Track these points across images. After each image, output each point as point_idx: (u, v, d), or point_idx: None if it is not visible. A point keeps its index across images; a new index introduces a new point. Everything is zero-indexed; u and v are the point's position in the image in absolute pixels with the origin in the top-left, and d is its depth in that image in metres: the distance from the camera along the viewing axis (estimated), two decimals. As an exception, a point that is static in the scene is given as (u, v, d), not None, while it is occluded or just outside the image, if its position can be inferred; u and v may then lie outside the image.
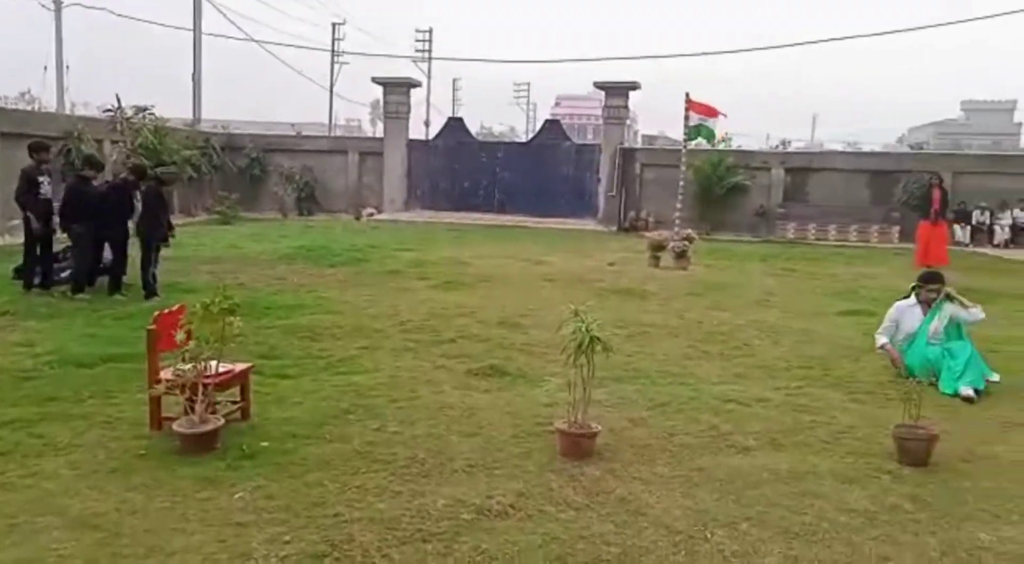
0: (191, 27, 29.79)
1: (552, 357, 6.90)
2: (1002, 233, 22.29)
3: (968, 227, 22.50)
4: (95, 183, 10.60)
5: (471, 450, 5.11)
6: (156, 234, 10.28)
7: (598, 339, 5.03)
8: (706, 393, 6.54)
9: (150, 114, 20.69)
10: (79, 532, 3.85)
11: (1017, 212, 22.34)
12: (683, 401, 6.28)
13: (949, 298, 7.46)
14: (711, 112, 16.44)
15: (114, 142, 19.40)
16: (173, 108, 26.91)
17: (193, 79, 29.48)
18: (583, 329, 5.03)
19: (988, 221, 22.59)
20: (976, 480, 4.85)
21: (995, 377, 7.04)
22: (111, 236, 10.28)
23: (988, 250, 21.11)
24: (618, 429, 5.57)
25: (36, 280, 10.28)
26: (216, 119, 31.84)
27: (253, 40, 40.88)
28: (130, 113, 19.84)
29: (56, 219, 10.30)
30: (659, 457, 5.12)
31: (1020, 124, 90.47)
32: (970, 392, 6.67)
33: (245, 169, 26.05)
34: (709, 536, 4.02)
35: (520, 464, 4.91)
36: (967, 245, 21.72)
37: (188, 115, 28.98)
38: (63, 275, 10.46)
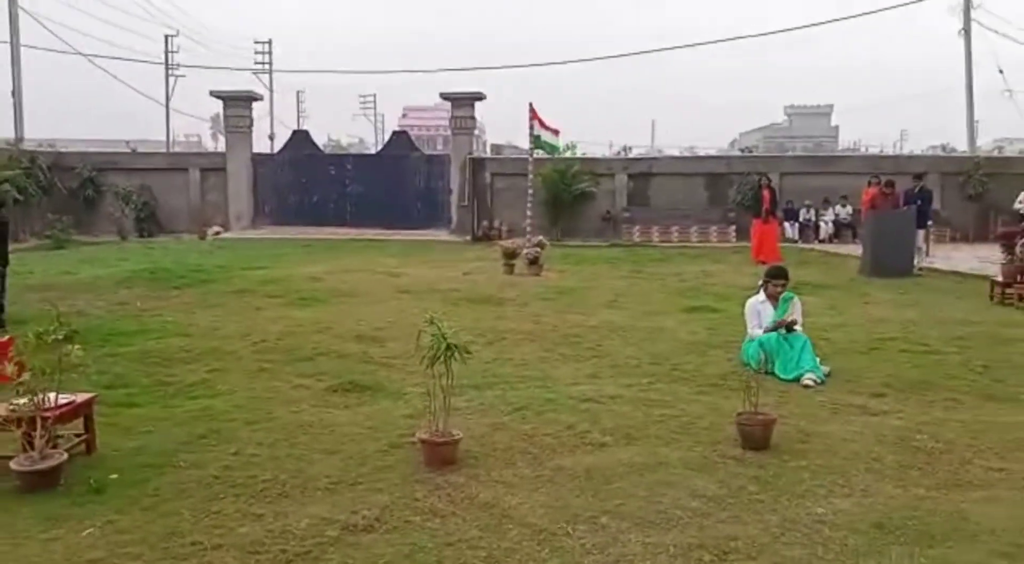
0: (7, 39, 27.88)
1: (411, 368, 6.93)
2: (826, 228, 23.97)
3: (796, 224, 24.08)
4: None
5: (333, 467, 5.07)
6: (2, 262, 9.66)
7: (455, 346, 5.10)
8: (563, 394, 6.73)
9: (-35, 133, 19.25)
10: (-93, 586, 3.57)
11: (838, 209, 24.07)
12: (541, 403, 6.44)
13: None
14: (549, 129, 16.88)
15: (-75, 165, 17.95)
16: (-6, 127, 25.11)
17: (13, 95, 27.56)
18: (440, 337, 5.09)
19: (814, 218, 24.24)
20: (811, 459, 5.22)
21: (826, 368, 7.53)
22: None
23: (816, 245, 22.64)
24: (480, 435, 5.66)
25: None
26: (43, 138, 29.96)
27: (78, 53, 38.66)
28: (-57, 133, 18.38)
29: None
30: (520, 459, 5.24)
31: (837, 127, 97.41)
32: (811, 380, 7.15)
33: (77, 190, 24.68)
34: (571, 532, 4.15)
35: (384, 477, 4.91)
36: (796, 241, 23.23)
37: (9, 134, 27.07)
38: None
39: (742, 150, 43.45)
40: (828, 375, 7.41)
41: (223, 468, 5.02)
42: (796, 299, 7.98)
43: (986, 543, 4.00)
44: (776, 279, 7.97)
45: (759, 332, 7.75)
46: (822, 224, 24.06)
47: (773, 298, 7.92)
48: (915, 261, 15.72)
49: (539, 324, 10.08)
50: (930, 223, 17.73)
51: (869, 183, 18.09)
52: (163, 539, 4.04)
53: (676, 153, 44.60)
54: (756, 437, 5.40)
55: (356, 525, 4.20)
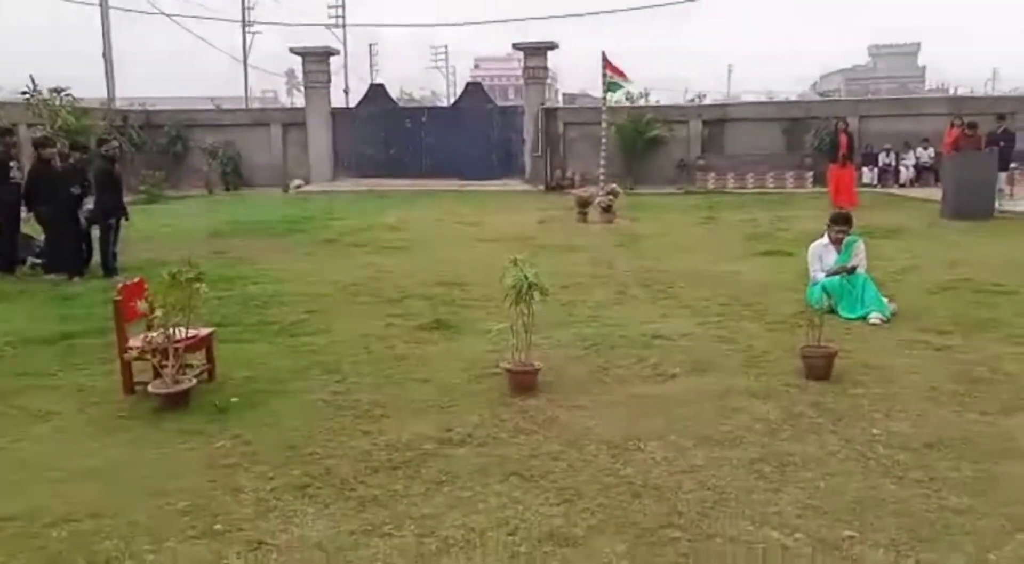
0: (98, 2, 28.98)
1: (492, 309, 7.42)
2: (907, 172, 23.54)
3: (875, 168, 23.70)
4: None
5: (427, 393, 5.61)
6: (115, 212, 10.46)
7: (536, 285, 5.55)
8: (635, 332, 7.14)
9: (66, 95, 20.33)
10: (81, 483, 4.23)
11: (920, 152, 23.59)
12: (614, 340, 6.87)
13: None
14: (620, 74, 16.98)
15: (30, 125, 19.06)
16: (87, 87, 26.30)
17: (104, 56, 28.74)
18: (522, 277, 5.54)
19: (894, 162, 23.81)
20: (870, 388, 5.55)
21: (894, 307, 7.74)
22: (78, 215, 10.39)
23: (895, 190, 22.33)
24: (558, 367, 6.12)
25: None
26: (133, 97, 31.21)
27: (161, 13, 39.89)
28: (46, 95, 19.48)
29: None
30: (595, 387, 5.70)
31: (924, 67, 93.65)
32: (878, 319, 7.40)
33: (167, 146, 25.79)
34: (642, 447, 4.60)
35: (473, 402, 5.42)
36: (875, 186, 22.91)
37: (101, 94, 28.34)
38: (35, 258, 10.63)
39: (820, 94, 42.43)
40: (895, 313, 7.62)
41: (330, 393, 5.61)
42: (860, 242, 8.16)
43: (1031, 460, 4.31)
44: (837, 225, 8.14)
45: (821, 275, 7.98)
46: (902, 168, 23.62)
47: (836, 243, 8.11)
48: (996, 203, 15.50)
49: (612, 269, 10.47)
50: (1013, 165, 17.40)
51: (952, 125, 17.80)
52: (285, 449, 4.64)
53: (754, 98, 43.80)
54: (819, 368, 5.74)
55: (451, 440, 4.73)
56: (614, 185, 16.63)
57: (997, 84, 75.59)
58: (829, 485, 4.08)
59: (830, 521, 3.70)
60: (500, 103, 32.64)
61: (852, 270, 7.82)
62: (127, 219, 10.87)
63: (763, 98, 45.93)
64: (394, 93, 34.79)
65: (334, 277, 10.02)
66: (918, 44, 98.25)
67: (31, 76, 19.61)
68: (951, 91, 63.85)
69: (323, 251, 12.29)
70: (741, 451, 4.55)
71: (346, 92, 52.62)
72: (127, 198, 21.83)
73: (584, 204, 15.77)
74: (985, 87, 71.49)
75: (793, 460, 4.38)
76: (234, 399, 5.51)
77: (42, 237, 10.69)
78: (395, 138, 26.49)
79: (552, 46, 25.56)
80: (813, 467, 4.29)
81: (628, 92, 17.76)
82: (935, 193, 18.10)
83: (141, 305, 5.61)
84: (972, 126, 16.30)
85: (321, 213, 17.30)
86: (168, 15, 39.96)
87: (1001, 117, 17.88)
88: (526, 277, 5.55)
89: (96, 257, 10.63)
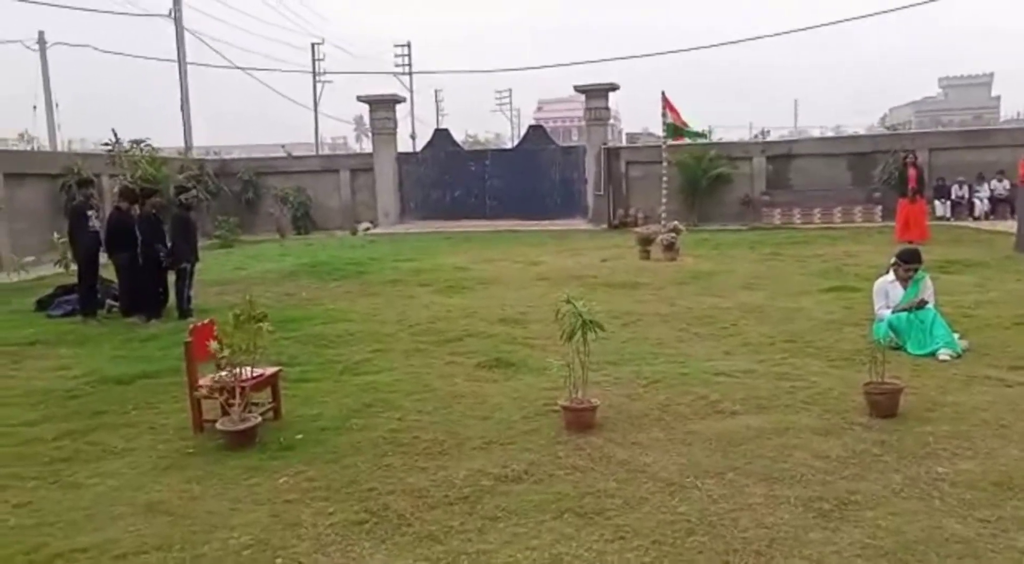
0: (175, 58, 30.33)
1: (552, 347, 7.46)
2: (981, 205, 22.87)
3: (948, 202, 23.11)
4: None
5: (485, 430, 5.67)
6: (188, 257, 10.92)
7: (590, 322, 5.59)
8: (696, 369, 7.10)
9: (146, 146, 21.24)
10: (150, 517, 4.40)
11: (995, 184, 22.94)
12: (675, 377, 6.84)
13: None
14: (678, 117, 16.96)
15: (112, 176, 19.96)
16: (164, 138, 27.51)
17: (182, 108, 30.01)
18: (576, 314, 5.59)
19: (967, 195, 23.18)
20: (938, 425, 5.42)
21: (964, 343, 7.54)
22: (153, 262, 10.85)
23: (969, 223, 21.71)
24: (616, 404, 6.13)
25: (69, 308, 11.02)
26: (207, 146, 32.42)
27: (236, 67, 41.49)
28: (127, 146, 20.40)
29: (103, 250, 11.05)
30: (654, 425, 5.68)
31: (999, 97, 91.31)
32: (947, 355, 7.21)
33: (240, 193, 26.65)
34: (700, 485, 4.58)
35: (530, 439, 5.46)
36: (949, 219, 22.32)
37: (179, 144, 29.57)
38: (113, 302, 11.22)
39: (887, 128, 41.67)
40: (967, 350, 7.42)
41: (390, 431, 5.71)
42: (927, 278, 7.98)
43: (1106, 499, 4.15)
44: (907, 263, 7.94)
45: (886, 312, 7.81)
46: (976, 200, 22.98)
47: (903, 280, 7.93)
48: (1076, 236, 14.96)
49: (674, 306, 10.43)
50: (1094, 196, 16.76)
51: (1025, 156, 17.30)
52: (345, 485, 4.74)
53: (819, 133, 43.29)
54: (883, 405, 5.63)
55: (507, 476, 4.78)
56: (676, 222, 16.58)
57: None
58: (891, 524, 3.99)
59: (890, 560, 3.63)
60: (564, 144, 32.89)
61: (923, 305, 7.64)
62: (199, 262, 11.28)
63: (830, 133, 45.36)
64: (459, 136, 35.43)
65: (399, 317, 10.20)
66: (991, 74, 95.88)
67: (113, 130, 20.59)
68: (1028, 121, 62.12)
69: (388, 292, 12.52)
70: (800, 489, 4.48)
71: (412, 137, 53.88)
72: (202, 243, 22.64)
73: (646, 242, 15.75)
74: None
75: (854, 499, 4.30)
76: (299, 436, 5.66)
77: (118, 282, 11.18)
78: (459, 181, 26.92)
79: (613, 87, 25.75)
80: (874, 506, 4.21)
81: (694, 133, 17.66)
82: (1011, 226, 17.57)
83: (212, 345, 5.82)
84: (1047, 156, 15.82)
85: (387, 255, 17.63)
86: (242, 68, 41.52)
87: (1079, 146, 17.32)
88: (580, 314, 5.60)
89: (172, 300, 11.03)
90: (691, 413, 5.93)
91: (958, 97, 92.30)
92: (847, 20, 54.59)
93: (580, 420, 5.61)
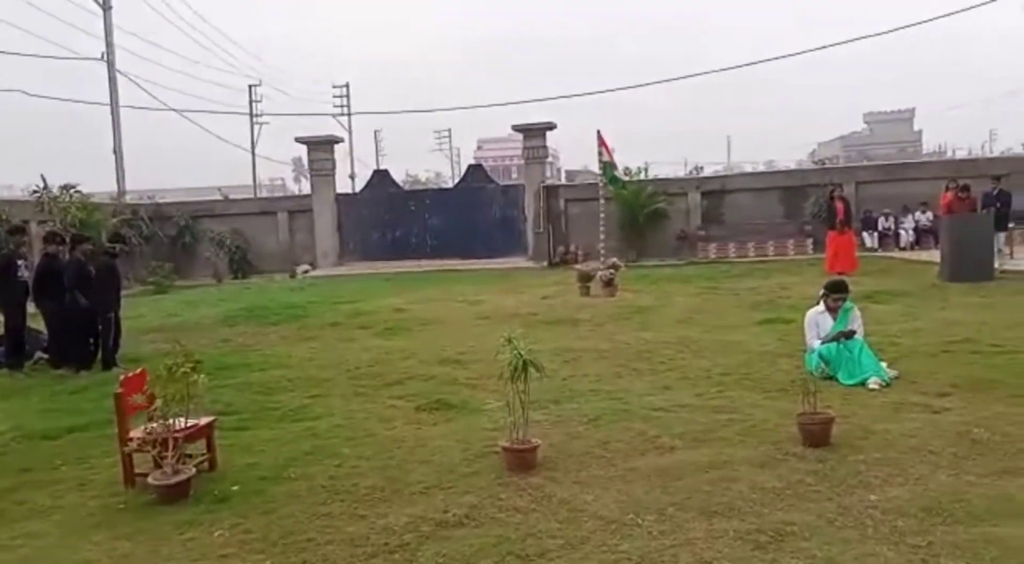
0: (108, 101, 29.86)
1: (493, 387, 7.45)
2: (907, 236, 23.71)
3: (875, 233, 23.89)
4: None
5: (426, 475, 5.62)
6: (113, 306, 10.63)
7: (530, 362, 5.61)
8: (635, 405, 7.16)
9: (75, 191, 20.80)
10: (78, 578, 4.25)
11: (918, 215, 23.79)
12: (615, 414, 6.89)
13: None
14: (610, 153, 17.26)
15: (41, 222, 19.47)
16: (97, 183, 27.00)
17: (115, 152, 29.48)
18: (516, 354, 5.61)
19: (893, 226, 24.01)
20: (869, 453, 5.54)
21: (893, 372, 7.77)
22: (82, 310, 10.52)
23: (896, 253, 22.44)
24: (558, 443, 6.14)
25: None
26: (142, 189, 31.88)
27: (171, 109, 40.90)
28: (56, 192, 19.96)
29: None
30: (595, 463, 5.70)
31: (920, 132, 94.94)
32: (876, 384, 7.41)
33: (176, 237, 26.24)
34: (641, 522, 4.60)
35: (471, 481, 5.43)
36: (876, 250, 23.05)
37: (113, 188, 29.00)
38: (42, 353, 10.80)
39: (815, 162, 43.03)
40: (896, 378, 7.64)
41: (329, 478, 5.63)
42: (855, 309, 8.23)
43: (1029, 521, 4.29)
44: (835, 293, 8.21)
45: (817, 343, 8.03)
46: (902, 231, 23.81)
47: (832, 310, 8.17)
48: (996, 264, 15.57)
49: (614, 342, 10.52)
50: (1011, 225, 17.52)
51: (946, 188, 18.02)
52: (282, 537, 4.65)
53: (752, 168, 44.45)
54: (816, 435, 5.74)
55: (448, 521, 4.73)
56: (614, 259, 16.80)
57: (995, 145, 76.53)
58: (826, 554, 4.06)
59: (826, 590, 3.68)
60: (504, 182, 33.18)
61: (850, 335, 7.86)
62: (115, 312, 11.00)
63: (762, 168, 46.62)
64: (399, 176, 35.53)
65: (338, 361, 10.09)
66: (913, 109, 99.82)
67: (42, 175, 20.15)
68: (949, 154, 64.71)
69: (327, 335, 12.39)
70: (739, 522, 4.54)
71: (352, 177, 53.74)
72: (136, 289, 22.12)
73: (586, 279, 15.91)
74: (983, 149, 72.37)
75: (791, 529, 4.37)
76: (235, 487, 5.53)
77: (47, 332, 10.85)
78: (399, 221, 26.91)
79: (550, 126, 26.13)
80: (810, 536, 4.28)
81: (616, 176, 17.93)
82: (935, 255, 18.19)
83: (137, 398, 5.70)
84: (965, 189, 16.51)
85: (326, 297, 17.47)
86: (178, 111, 41.00)
87: (996, 178, 18.11)
88: (520, 354, 5.62)
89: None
90: (631, 449, 5.97)
91: (882, 132, 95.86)
92: (775, 59, 56.39)
93: (521, 461, 5.60)
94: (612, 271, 15.84)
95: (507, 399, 5.73)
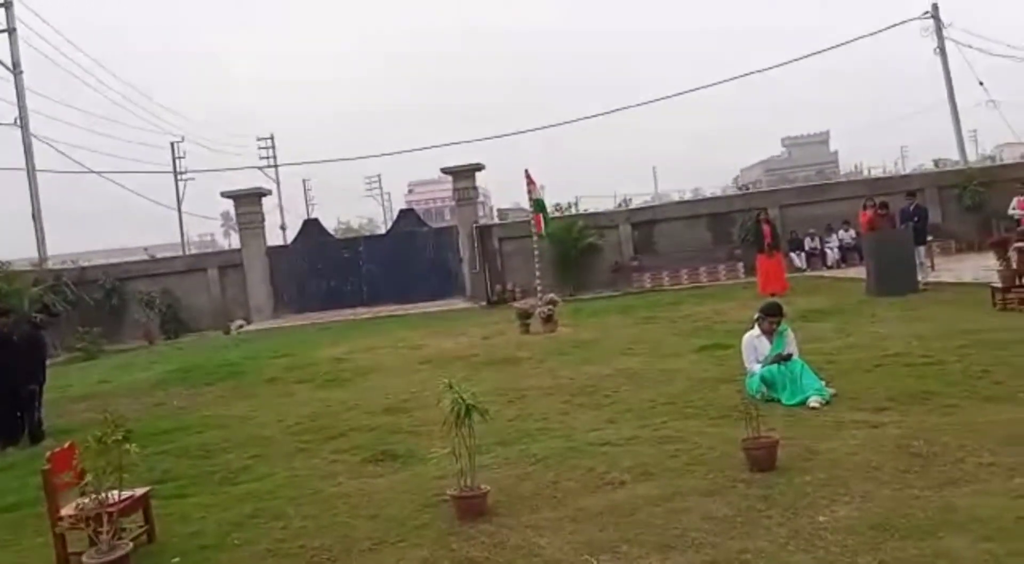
0: (23, 166, 29.09)
1: (439, 434, 7.30)
2: (833, 254, 24.39)
3: (803, 253, 24.51)
4: None
5: (375, 530, 5.49)
6: (37, 378, 10.23)
7: (474, 407, 5.55)
8: (582, 441, 7.14)
9: (-7, 260, 20.12)
10: None
11: (842, 234, 24.50)
12: (562, 452, 6.85)
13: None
14: (534, 186, 17.44)
15: (-42, 294, 18.77)
16: (16, 249, 26.16)
17: (33, 218, 28.64)
18: (459, 400, 5.55)
19: (819, 245, 24.67)
20: (815, 473, 5.60)
21: (832, 389, 7.91)
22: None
23: (824, 272, 23.05)
24: (507, 487, 6.06)
25: None
26: (65, 254, 31.00)
27: (90, 171, 39.95)
28: (-28, 262, 19.28)
29: None
30: (545, 504, 5.65)
31: (836, 152, 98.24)
32: (817, 403, 7.53)
33: (103, 300, 25.51)
34: (595, 562, 4.55)
35: (422, 534, 5.32)
36: (805, 270, 23.64)
37: (33, 254, 28.12)
38: None
39: (740, 188, 44.17)
40: (834, 395, 7.77)
41: (275, 541, 5.46)
42: (788, 331, 8.39)
43: (973, 531, 4.37)
44: (771, 316, 8.36)
45: (757, 366, 8.14)
46: (828, 250, 24.48)
47: (768, 333, 8.31)
48: (919, 277, 16.07)
49: (557, 378, 10.51)
50: (929, 238, 18.13)
51: (864, 206, 18.58)
52: (228, 608, 4.47)
53: (679, 197, 45.36)
54: (761, 459, 5.79)
55: (400, 578, 4.62)
56: (552, 294, 16.87)
57: (907, 161, 79.51)
58: (781, 580, 4.07)
59: (784, 618, 3.68)
60: (437, 224, 33.21)
61: (787, 358, 7.99)
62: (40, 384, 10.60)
63: (689, 196, 47.61)
64: (331, 224, 35.33)
65: (277, 417, 9.87)
66: (827, 132, 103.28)
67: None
68: (864, 173, 67.03)
69: (266, 392, 12.12)
70: (694, 554, 4.52)
71: (283, 229, 53.21)
72: (64, 357, 21.39)
73: (525, 316, 15.93)
74: (896, 166, 75.16)
75: (745, 558, 4.37)
76: (175, 559, 5.33)
77: None
78: (333, 270, 26.65)
79: (479, 167, 26.29)
80: (764, 562, 4.28)
81: (542, 207, 18.08)
82: (861, 272, 18.72)
83: (65, 476, 5.46)
84: (884, 206, 17.05)
85: (262, 352, 17.11)
86: (98, 172, 40.06)
87: (911, 194, 18.79)
88: (462, 399, 5.56)
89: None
90: (581, 488, 5.93)
91: (801, 155, 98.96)
92: (694, 90, 57.80)
93: (471, 508, 5.51)
94: (550, 307, 15.88)
95: (453, 445, 5.65)
